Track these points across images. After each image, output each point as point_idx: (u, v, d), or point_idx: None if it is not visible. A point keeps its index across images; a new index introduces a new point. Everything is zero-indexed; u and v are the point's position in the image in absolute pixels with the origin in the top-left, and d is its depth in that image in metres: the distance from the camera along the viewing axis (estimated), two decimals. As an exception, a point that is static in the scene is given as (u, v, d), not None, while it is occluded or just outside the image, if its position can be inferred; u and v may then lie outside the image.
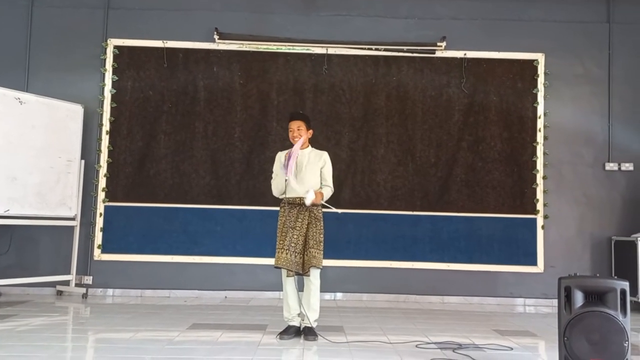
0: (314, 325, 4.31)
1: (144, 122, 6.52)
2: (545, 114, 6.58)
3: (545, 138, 6.56)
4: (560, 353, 3.18)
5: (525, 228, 6.47)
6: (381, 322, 5.04)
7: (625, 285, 3.15)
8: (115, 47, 6.58)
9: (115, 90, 6.53)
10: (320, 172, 4.38)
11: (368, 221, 6.46)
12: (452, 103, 6.59)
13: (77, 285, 6.24)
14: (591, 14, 6.76)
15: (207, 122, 6.53)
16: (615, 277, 3.34)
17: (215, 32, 6.50)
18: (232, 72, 6.58)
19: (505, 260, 6.44)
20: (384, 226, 6.46)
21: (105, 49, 6.57)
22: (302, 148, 4.41)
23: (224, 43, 6.57)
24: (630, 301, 3.20)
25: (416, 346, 4.07)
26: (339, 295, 6.35)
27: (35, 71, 6.55)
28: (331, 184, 4.42)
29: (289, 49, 6.60)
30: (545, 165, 6.53)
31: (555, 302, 3.32)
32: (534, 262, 6.45)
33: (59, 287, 6.23)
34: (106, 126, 6.49)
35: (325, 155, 4.44)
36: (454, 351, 3.91)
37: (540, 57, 6.63)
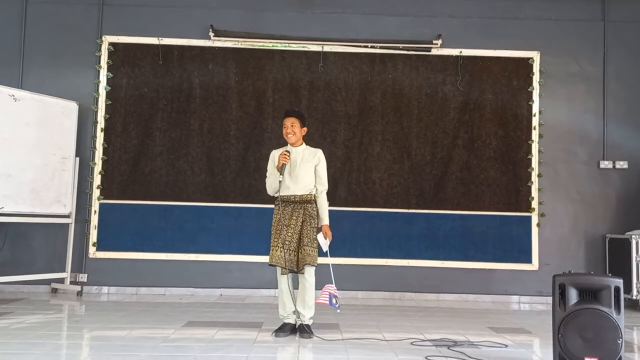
0: (310, 322, 4.31)
1: (139, 119, 6.50)
2: (540, 112, 6.60)
3: (540, 136, 6.57)
4: (555, 350, 3.20)
5: (520, 226, 6.49)
6: (377, 320, 5.06)
7: (619, 282, 3.17)
8: (110, 44, 6.56)
9: (110, 88, 6.51)
10: (315, 169, 4.37)
11: (363, 219, 6.47)
12: (447, 101, 6.60)
13: (72, 282, 6.22)
14: (586, 12, 6.77)
15: (202, 119, 6.52)
16: (609, 274, 3.36)
17: (210, 29, 6.48)
18: (228, 69, 6.57)
19: (500, 257, 6.46)
20: (379, 224, 6.47)
21: (100, 45, 6.54)
22: (296, 145, 4.41)
23: (219, 40, 6.55)
24: (624, 298, 3.21)
25: (411, 343, 4.08)
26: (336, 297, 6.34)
27: (30, 68, 6.52)
28: (326, 183, 4.42)
29: (285, 46, 6.59)
30: (540, 163, 6.55)
31: (550, 299, 3.34)
32: (528, 260, 6.47)
33: (54, 285, 6.22)
34: (101, 123, 6.47)
35: (319, 153, 4.43)
36: (449, 348, 3.92)
37: (535, 56, 6.65)
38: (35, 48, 6.55)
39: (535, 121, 6.59)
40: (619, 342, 3.08)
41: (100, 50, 6.54)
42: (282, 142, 4.56)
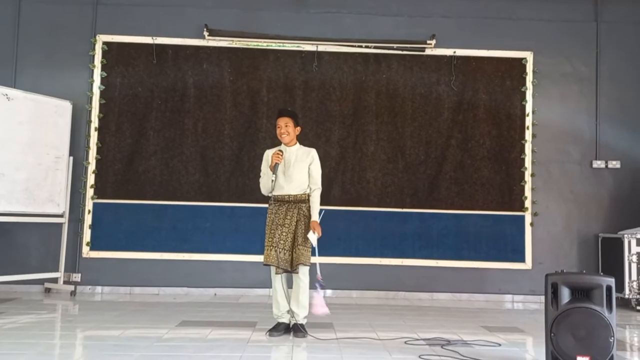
0: (304, 322, 4.31)
1: (133, 118, 6.48)
2: (533, 112, 6.63)
3: (533, 136, 6.60)
4: (547, 349, 3.22)
5: (513, 225, 6.52)
6: (371, 319, 5.07)
7: (611, 281, 3.19)
8: (104, 43, 6.54)
9: (104, 87, 6.49)
10: (309, 169, 4.38)
11: (358, 218, 6.48)
12: (441, 101, 6.62)
13: (65, 282, 6.20)
14: (579, 13, 6.81)
15: (196, 119, 6.51)
16: (602, 273, 3.38)
17: (205, 29, 6.47)
18: (222, 68, 6.57)
19: (493, 257, 6.48)
20: (373, 223, 6.48)
21: (94, 45, 6.52)
22: (290, 145, 4.41)
23: (214, 40, 6.55)
24: (617, 297, 3.24)
25: (405, 342, 4.09)
26: (329, 292, 6.36)
27: (23, 67, 6.49)
28: (319, 183, 4.41)
29: (279, 46, 6.59)
30: (533, 163, 6.58)
31: (543, 298, 3.35)
32: (522, 259, 6.50)
33: (47, 285, 6.20)
34: (95, 123, 6.45)
35: (313, 152, 4.43)
36: (442, 347, 3.94)
37: (528, 56, 6.68)
38: (29, 47, 6.52)
39: (528, 121, 6.62)
40: (611, 340, 3.10)
41: (94, 49, 6.52)
42: (276, 142, 4.56)
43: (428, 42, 6.59)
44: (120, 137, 6.46)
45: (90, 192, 6.39)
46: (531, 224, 6.53)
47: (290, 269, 4.26)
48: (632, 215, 6.46)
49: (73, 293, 6.08)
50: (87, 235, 6.35)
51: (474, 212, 6.52)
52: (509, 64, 6.67)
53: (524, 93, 6.65)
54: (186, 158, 6.46)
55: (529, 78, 6.65)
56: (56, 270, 6.17)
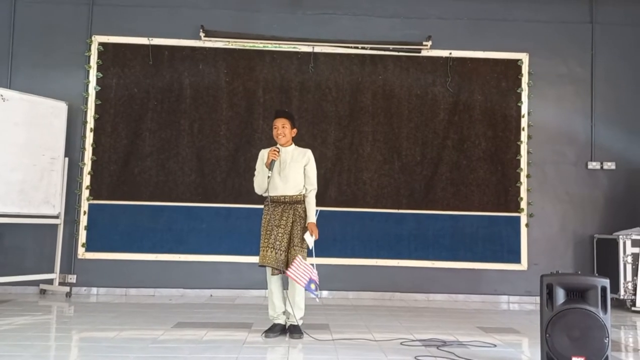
0: (300, 323, 4.31)
1: (129, 119, 6.47)
2: (529, 113, 6.65)
3: (529, 137, 6.62)
4: (542, 349, 3.23)
5: (509, 226, 6.53)
6: (367, 320, 5.07)
7: (606, 282, 3.20)
8: (100, 43, 6.53)
9: (99, 88, 6.48)
10: (304, 170, 4.38)
11: (354, 219, 6.48)
12: (437, 102, 6.63)
13: (60, 284, 6.18)
14: (574, 14, 6.83)
15: (192, 119, 6.50)
16: (597, 274, 3.39)
17: (201, 30, 6.47)
18: (218, 69, 6.56)
19: (489, 257, 6.50)
20: (369, 224, 6.49)
21: (90, 45, 6.51)
22: (285, 146, 4.41)
23: (210, 40, 6.54)
24: (612, 298, 3.25)
25: (401, 343, 4.09)
26: (325, 293, 6.36)
27: (19, 68, 6.48)
28: (315, 184, 4.41)
29: (276, 47, 6.59)
30: (529, 164, 6.60)
31: (538, 299, 3.36)
32: (517, 260, 6.51)
33: (43, 286, 6.18)
34: (90, 124, 6.44)
35: (308, 153, 4.43)
36: (438, 348, 3.94)
37: (524, 57, 6.69)
38: (24, 47, 6.51)
39: (524, 122, 6.64)
40: (606, 341, 3.11)
41: (89, 50, 6.51)
42: (272, 143, 4.56)
43: (424, 43, 6.60)
44: (116, 138, 6.45)
45: (85, 193, 6.38)
46: (527, 225, 6.54)
47: (286, 270, 4.25)
48: (627, 216, 6.48)
49: (68, 294, 6.06)
50: (82, 236, 6.33)
51: (470, 213, 6.53)
52: (505, 65, 6.69)
53: (520, 94, 6.67)
54: (182, 159, 6.46)
55: (525, 79, 6.67)
56: (51, 271, 6.15)
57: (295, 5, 6.70)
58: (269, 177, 4.28)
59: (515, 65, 6.69)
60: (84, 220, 6.35)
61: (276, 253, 4.19)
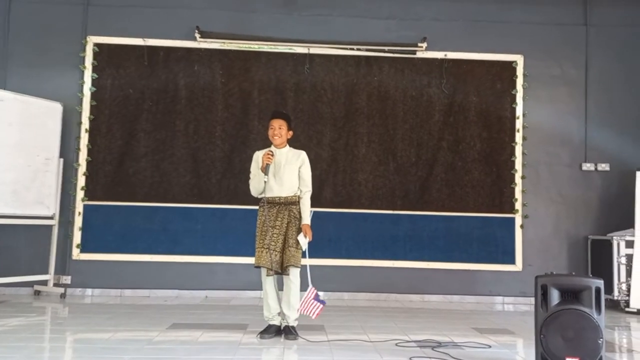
0: (295, 324, 4.31)
1: (124, 120, 6.46)
2: (523, 115, 6.67)
3: (523, 138, 6.64)
4: (537, 350, 3.24)
5: (503, 227, 6.55)
6: (362, 321, 5.07)
7: (600, 283, 3.21)
8: (95, 44, 6.51)
9: (95, 88, 6.47)
10: (299, 171, 4.38)
11: (349, 220, 6.49)
12: (432, 103, 6.65)
13: (55, 285, 6.16)
14: (569, 16, 6.86)
15: (188, 120, 6.50)
16: (591, 275, 3.41)
17: (196, 31, 6.47)
18: (214, 70, 6.56)
19: (484, 259, 6.51)
20: (364, 225, 6.49)
21: (85, 46, 6.50)
22: (280, 147, 4.41)
23: (205, 41, 6.54)
24: (606, 299, 3.26)
25: (396, 344, 4.10)
26: (320, 294, 6.31)
27: (13, 68, 6.45)
28: (310, 185, 4.41)
29: (271, 48, 6.59)
30: (523, 165, 6.62)
31: (533, 300, 3.37)
32: (512, 261, 6.53)
33: (37, 287, 6.15)
34: (85, 124, 6.42)
35: (303, 155, 4.43)
36: (433, 349, 3.95)
37: (519, 59, 6.72)
38: (19, 48, 6.48)
39: (518, 124, 6.66)
40: (600, 342, 3.13)
41: (84, 50, 6.49)
42: (267, 144, 4.56)
43: (419, 45, 6.62)
44: (111, 138, 6.43)
45: (80, 194, 6.36)
46: (521, 226, 6.56)
47: (281, 271, 4.26)
48: (621, 217, 6.50)
49: (63, 295, 6.04)
50: (77, 237, 6.31)
51: (465, 215, 6.54)
52: (500, 67, 6.71)
53: (514, 96, 6.69)
54: (177, 160, 6.45)
55: (519, 81, 6.70)
56: (46, 272, 6.13)
57: (290, 7, 6.70)
58: (265, 181, 4.27)
59: (510, 66, 6.72)
60: (78, 221, 6.33)
61: (271, 254, 4.19)
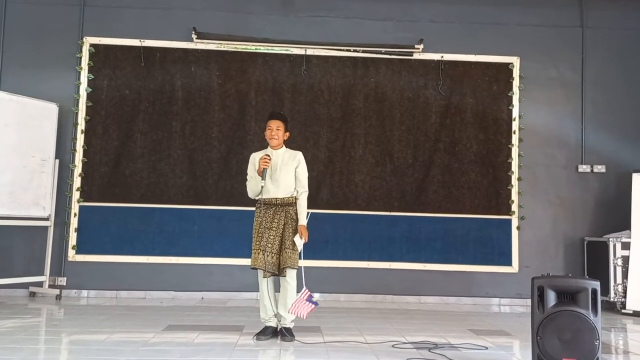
0: (291, 326, 4.31)
1: (121, 121, 6.45)
2: (520, 117, 6.68)
3: (520, 140, 6.65)
4: (534, 352, 3.23)
5: (500, 229, 6.56)
6: (359, 323, 5.06)
7: (597, 285, 3.21)
8: (92, 45, 6.50)
9: (91, 89, 6.45)
10: (295, 172, 4.37)
11: (346, 222, 6.48)
12: (429, 105, 6.65)
13: (51, 286, 6.14)
14: (565, 18, 6.88)
15: (184, 122, 6.49)
16: (587, 277, 3.40)
17: (193, 32, 6.46)
18: (211, 72, 6.55)
19: (481, 260, 6.52)
20: (361, 227, 6.49)
21: (81, 47, 6.48)
22: (277, 148, 4.41)
23: (202, 43, 6.53)
24: (603, 301, 3.26)
25: (393, 346, 4.09)
26: (317, 296, 6.34)
27: (9, 69, 6.43)
28: (306, 186, 4.41)
29: (268, 49, 6.59)
30: (520, 167, 6.63)
31: (529, 302, 3.37)
32: (509, 263, 6.54)
33: (32, 289, 6.13)
34: (82, 125, 6.41)
35: (299, 156, 4.43)
36: (430, 351, 3.95)
37: (515, 61, 6.73)
38: (15, 49, 6.46)
39: (515, 125, 6.67)
40: (597, 343, 3.12)
41: (81, 51, 6.48)
42: (264, 145, 4.55)
43: (416, 46, 6.62)
44: (107, 140, 6.42)
45: (76, 195, 6.34)
46: (518, 228, 6.57)
47: (278, 273, 4.25)
48: (617, 219, 6.51)
49: (59, 297, 6.02)
50: (73, 238, 6.29)
51: (462, 216, 6.55)
52: (496, 69, 6.72)
53: (511, 98, 6.70)
54: (174, 161, 6.44)
55: (516, 83, 6.71)
56: (42, 274, 6.11)
57: (287, 8, 6.71)
58: (262, 186, 4.26)
59: (507, 68, 6.73)
60: (74, 222, 6.31)
61: (268, 256, 4.18)
